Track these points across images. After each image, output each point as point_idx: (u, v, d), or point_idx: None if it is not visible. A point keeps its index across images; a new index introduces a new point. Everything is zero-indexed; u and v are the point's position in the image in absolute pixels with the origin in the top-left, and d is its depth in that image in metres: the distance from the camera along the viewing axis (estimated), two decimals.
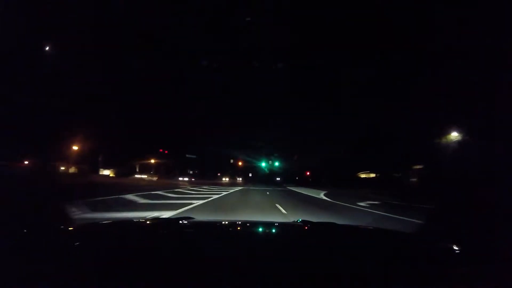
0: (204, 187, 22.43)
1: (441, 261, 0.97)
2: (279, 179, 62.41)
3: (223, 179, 51.13)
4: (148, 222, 1.83)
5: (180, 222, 1.58)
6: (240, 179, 53.56)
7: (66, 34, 18.08)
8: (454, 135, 18.76)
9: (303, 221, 1.75)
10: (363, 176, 46.79)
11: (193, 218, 1.71)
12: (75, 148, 37.38)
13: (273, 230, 1.68)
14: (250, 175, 64.69)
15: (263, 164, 49.30)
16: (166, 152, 47.76)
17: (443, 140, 19.65)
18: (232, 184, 35.70)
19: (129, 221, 2.21)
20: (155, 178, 38.08)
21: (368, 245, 1.26)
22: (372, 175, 42.96)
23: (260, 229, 1.71)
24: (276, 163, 48.05)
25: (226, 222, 1.98)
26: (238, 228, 1.75)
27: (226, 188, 21.98)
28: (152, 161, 51.03)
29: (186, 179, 39.15)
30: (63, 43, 17.84)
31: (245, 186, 28.27)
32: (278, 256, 0.99)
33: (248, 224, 1.93)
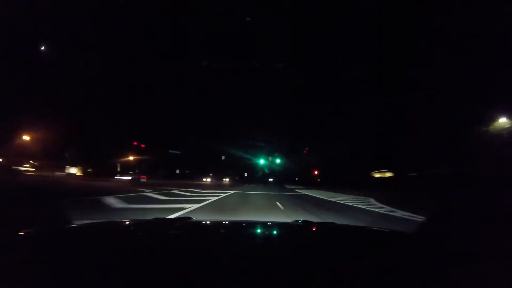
0: (175, 191, 13.79)
1: (441, 261, 0.96)
2: (271, 179, 54.77)
3: (204, 179, 41.31)
4: (147, 222, 1.74)
5: (180, 222, 1.65)
6: (227, 179, 43.81)
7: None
8: None
9: (303, 221, 1.78)
10: (377, 175, 39.93)
11: (191, 218, 1.78)
12: (34, 142, 30.09)
13: (273, 230, 1.69)
14: (246, 174, 56.17)
15: (262, 161, 40.84)
16: (142, 146, 38.99)
17: None
18: (220, 186, 26.25)
19: (128, 221, 2.00)
20: (34, 173, 23.46)
21: (368, 245, 1.27)
22: (388, 174, 37.20)
23: (260, 229, 1.68)
24: (278, 160, 39.72)
25: (226, 222, 2.01)
26: (238, 228, 1.72)
27: (207, 194, 13.60)
28: (131, 158, 42.50)
29: (127, 177, 25.17)
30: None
31: (238, 189, 19.98)
32: (278, 255, 1.00)
33: (248, 224, 1.91)
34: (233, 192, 16.72)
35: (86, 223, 1.64)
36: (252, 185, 35.88)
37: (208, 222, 1.95)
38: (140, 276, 0.73)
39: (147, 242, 1.14)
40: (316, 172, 44.85)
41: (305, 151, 40.19)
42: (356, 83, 32.02)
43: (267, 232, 1.58)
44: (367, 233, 1.68)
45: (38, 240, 1.07)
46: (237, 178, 50.58)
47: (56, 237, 1.13)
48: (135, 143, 37.83)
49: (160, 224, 1.57)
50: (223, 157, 42.97)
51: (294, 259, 0.95)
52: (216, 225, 1.77)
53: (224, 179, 42.36)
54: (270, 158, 39.24)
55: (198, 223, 1.74)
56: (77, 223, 1.77)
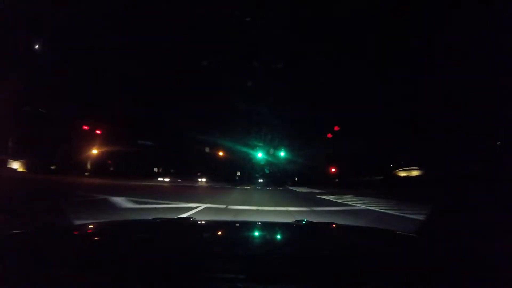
0: None
1: (441, 261, 0.96)
2: (261, 180, 45.01)
3: (161, 178, 29.91)
4: (148, 221, 1.69)
5: (181, 221, 1.69)
6: (204, 179, 33.15)
7: None
8: None
9: (303, 220, 1.77)
10: (402, 174, 31.59)
11: (193, 218, 1.81)
12: None
13: (274, 230, 1.66)
14: (239, 174, 45.84)
15: (260, 155, 30.70)
16: (98, 132, 28.66)
17: None
18: (182, 192, 14.09)
19: (129, 221, 2.10)
20: None
21: (368, 245, 1.27)
22: (415, 172, 29.14)
23: (261, 229, 1.67)
24: (282, 153, 29.67)
25: (227, 222, 2.13)
26: (239, 228, 1.70)
27: None
28: (97, 151, 32.27)
29: None
30: None
31: (215, 202, 9.75)
32: (278, 254, 1.00)
33: (249, 224, 1.93)
34: (200, 208, 6.83)
35: (86, 223, 1.72)
36: (248, 187, 25.85)
37: (209, 222, 2.02)
38: (140, 276, 0.72)
39: (146, 241, 1.15)
40: (333, 170, 34.61)
41: (329, 135, 29.96)
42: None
43: (267, 232, 1.58)
44: (367, 233, 1.68)
45: (39, 240, 1.07)
46: (237, 178, 40.47)
47: (57, 237, 1.14)
48: (85, 128, 27.40)
49: (159, 224, 1.55)
50: (207, 149, 32.77)
51: (294, 257, 0.94)
52: (217, 225, 1.78)
53: (200, 179, 31.52)
54: (271, 152, 29.29)
55: (199, 223, 1.75)
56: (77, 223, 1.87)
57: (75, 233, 1.27)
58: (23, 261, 0.80)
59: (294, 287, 0.72)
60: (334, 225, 1.63)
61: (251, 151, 32.30)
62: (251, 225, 1.81)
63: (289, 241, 1.35)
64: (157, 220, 1.61)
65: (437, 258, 0.99)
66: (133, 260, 0.83)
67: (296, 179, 57.90)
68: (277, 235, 1.50)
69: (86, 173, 29.81)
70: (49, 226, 1.39)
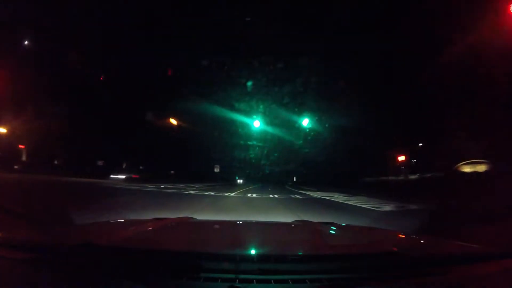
0: None
1: (441, 261, 0.97)
2: (259, 178, 32.21)
3: None
4: (148, 221, 1.72)
5: (181, 221, 1.70)
6: (124, 176, 18.86)
7: None
8: None
9: (302, 221, 1.91)
10: (467, 169, 19.10)
11: (193, 218, 1.85)
12: None
13: (274, 230, 1.73)
14: (217, 169, 31.12)
15: (257, 124, 16.55)
16: None
17: None
18: None
19: (129, 221, 2.09)
20: None
21: (366, 244, 1.29)
22: (481, 167, 19.22)
23: (260, 229, 1.73)
24: (306, 121, 16.82)
25: (226, 222, 2.17)
26: (238, 227, 1.75)
27: None
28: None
29: None
30: None
31: None
32: (278, 254, 1.02)
33: (248, 224, 1.96)
34: None
35: (87, 223, 1.80)
36: (230, 193, 13.15)
37: (209, 222, 2.11)
38: (140, 276, 0.74)
39: (146, 241, 1.15)
40: (402, 158, 21.05)
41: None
42: None
43: (267, 232, 1.62)
44: (366, 233, 1.70)
45: (42, 241, 1.08)
46: (215, 176, 26.92)
47: (56, 237, 1.15)
48: None
49: (160, 224, 1.57)
50: (149, 116, 18.54)
51: (293, 258, 0.94)
52: (217, 225, 1.83)
53: (116, 175, 17.99)
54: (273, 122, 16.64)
55: (200, 223, 1.82)
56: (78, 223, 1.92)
57: (75, 233, 1.31)
58: (22, 261, 0.81)
59: (294, 287, 0.75)
60: (333, 225, 1.66)
61: (241, 122, 19.21)
62: (251, 225, 1.87)
63: (289, 241, 1.38)
64: (157, 220, 1.65)
65: (436, 257, 1.00)
66: (133, 260, 0.84)
67: (295, 178, 45.79)
68: (276, 235, 1.55)
69: (16, 167, 21.02)
70: (50, 226, 1.43)
